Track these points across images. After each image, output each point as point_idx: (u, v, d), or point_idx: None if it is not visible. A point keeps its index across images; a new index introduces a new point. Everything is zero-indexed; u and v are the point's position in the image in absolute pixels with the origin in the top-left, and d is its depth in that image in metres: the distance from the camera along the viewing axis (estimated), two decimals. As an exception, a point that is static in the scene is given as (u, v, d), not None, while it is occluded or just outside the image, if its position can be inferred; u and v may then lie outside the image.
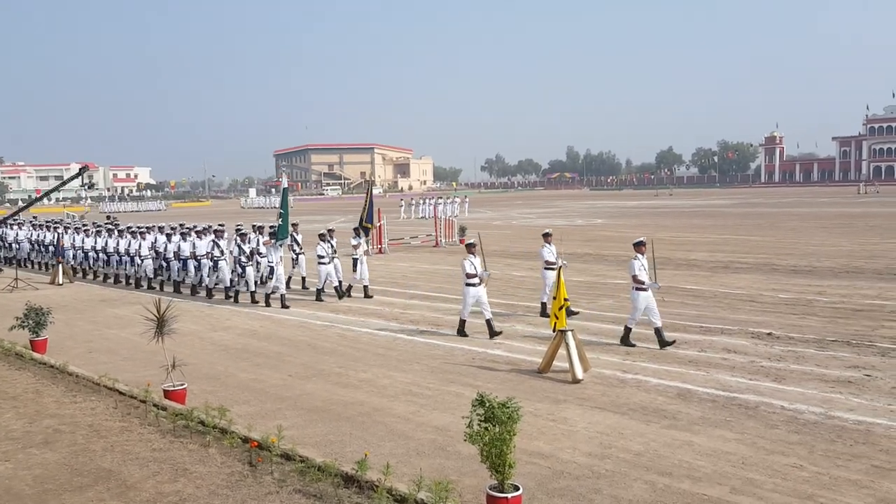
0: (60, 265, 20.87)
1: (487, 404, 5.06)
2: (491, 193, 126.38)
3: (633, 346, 10.47)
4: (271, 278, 15.25)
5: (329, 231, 16.45)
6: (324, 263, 15.84)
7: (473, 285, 11.11)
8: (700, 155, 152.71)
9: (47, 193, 16.55)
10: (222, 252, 17.07)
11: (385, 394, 8.60)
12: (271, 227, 17.09)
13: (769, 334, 11.10)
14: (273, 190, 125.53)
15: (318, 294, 15.92)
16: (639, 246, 10.76)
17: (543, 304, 12.89)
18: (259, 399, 8.63)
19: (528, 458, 6.50)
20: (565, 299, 9.50)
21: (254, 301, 15.90)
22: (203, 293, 17.17)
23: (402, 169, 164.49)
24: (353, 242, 16.49)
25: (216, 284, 17.15)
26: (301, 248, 17.50)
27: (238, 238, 16.24)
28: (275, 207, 78.15)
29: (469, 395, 7.90)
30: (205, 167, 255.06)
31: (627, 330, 10.65)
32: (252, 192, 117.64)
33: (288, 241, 15.62)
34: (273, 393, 8.88)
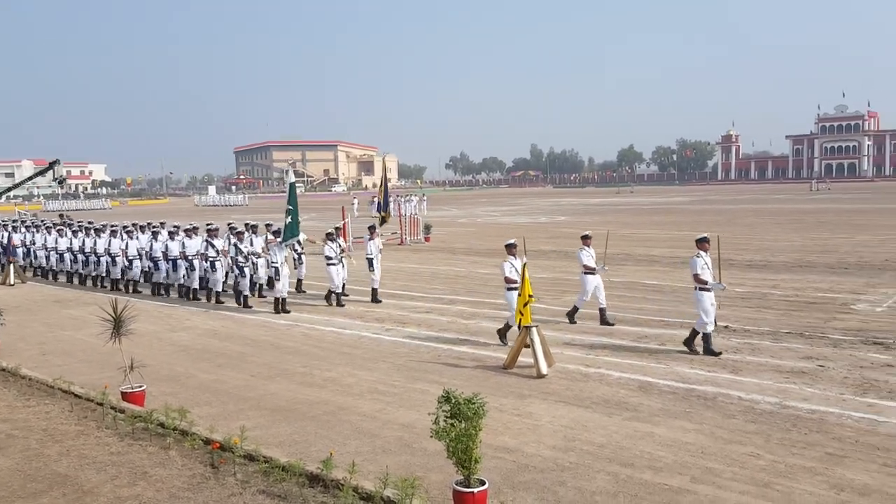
0: (12, 265, 20.21)
1: (453, 401, 5.05)
2: (456, 191, 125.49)
3: (719, 354, 9.52)
4: (278, 280, 13.93)
5: (336, 229, 15.06)
6: (332, 264, 14.43)
7: (514, 290, 10.17)
8: (660, 153, 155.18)
9: (15, 187, 15.86)
10: (217, 252, 15.59)
11: (350, 392, 8.50)
12: (267, 224, 16.22)
13: (726, 327, 11.28)
14: (233, 188, 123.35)
15: (337, 298, 14.52)
16: (702, 243, 9.60)
17: (575, 309, 11.92)
18: (221, 400, 8.46)
19: (494, 453, 6.49)
20: (530, 296, 9.51)
21: (218, 301, 15.43)
22: (204, 297, 15.65)
23: (366, 167, 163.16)
24: (372, 243, 15.28)
25: (223, 290, 15.72)
26: (303, 248, 16.04)
27: (234, 237, 14.97)
28: (230, 206, 76.62)
29: (435, 392, 7.85)
30: (162, 164, 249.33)
31: (697, 335, 9.63)
32: (212, 189, 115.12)
33: (301, 238, 14.16)
34: (235, 394, 8.72)
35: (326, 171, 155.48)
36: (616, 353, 10.00)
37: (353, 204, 50.53)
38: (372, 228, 15.71)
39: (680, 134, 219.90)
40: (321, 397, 8.39)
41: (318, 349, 10.88)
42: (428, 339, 11.39)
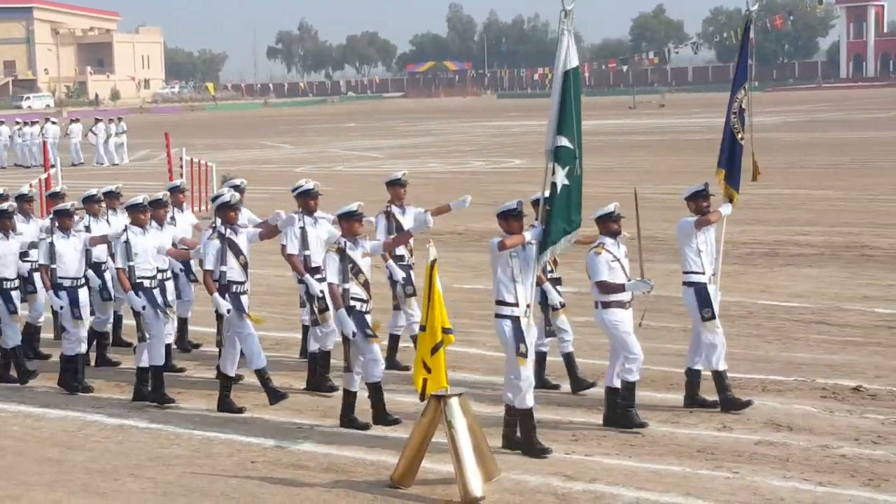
0: None
1: None
2: (291, 106, 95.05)
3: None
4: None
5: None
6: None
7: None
8: (718, 24, 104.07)
9: None
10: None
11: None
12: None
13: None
14: None
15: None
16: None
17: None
18: None
19: None
20: (444, 331, 6.66)
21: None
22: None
23: (98, 54, 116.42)
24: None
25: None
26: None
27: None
28: None
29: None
30: None
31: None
32: None
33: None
34: None
35: (11, 67, 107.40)
36: (634, 449, 7.38)
37: (68, 135, 35.28)
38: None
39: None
40: None
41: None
42: (229, 424, 7.99)
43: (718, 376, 7.74)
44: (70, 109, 71.62)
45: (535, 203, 7.87)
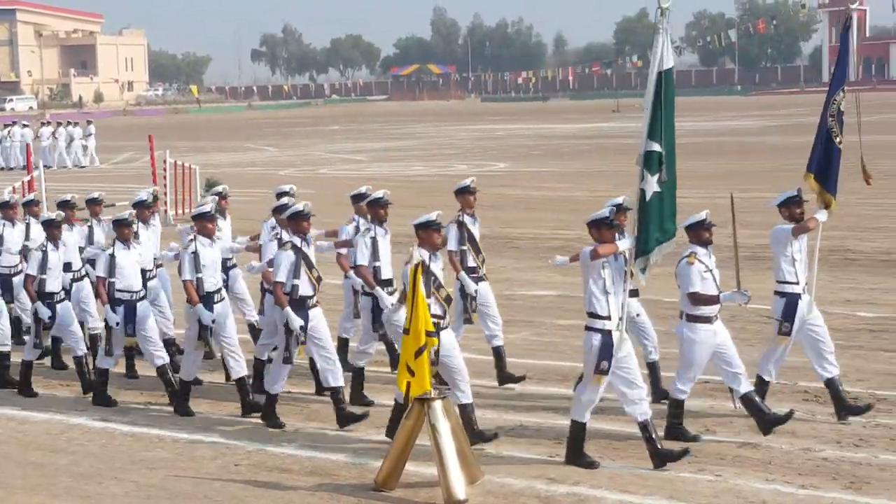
0: None
1: None
2: (275, 109, 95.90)
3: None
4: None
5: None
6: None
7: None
8: (702, 27, 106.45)
9: None
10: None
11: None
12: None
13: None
14: None
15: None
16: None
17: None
18: None
19: None
20: (428, 333, 6.61)
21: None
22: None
23: (81, 56, 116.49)
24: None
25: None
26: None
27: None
28: None
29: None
30: None
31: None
32: None
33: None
34: None
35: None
36: (617, 452, 7.34)
37: (55, 138, 34.32)
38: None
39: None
40: None
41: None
42: (213, 427, 8.05)
43: (759, 382, 7.56)
44: (53, 112, 71.07)
45: (616, 209, 7.68)
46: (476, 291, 8.20)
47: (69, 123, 35.49)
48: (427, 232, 7.14)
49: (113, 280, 8.13)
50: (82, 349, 8.99)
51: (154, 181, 19.70)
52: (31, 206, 10.03)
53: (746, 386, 7.13)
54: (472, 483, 6.49)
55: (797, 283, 7.54)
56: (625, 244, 6.68)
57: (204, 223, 8.04)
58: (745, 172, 26.08)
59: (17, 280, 9.55)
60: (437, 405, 6.46)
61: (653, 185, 6.64)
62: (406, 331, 6.51)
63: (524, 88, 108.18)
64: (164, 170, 20.65)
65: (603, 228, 6.72)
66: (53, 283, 8.67)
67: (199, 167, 22.37)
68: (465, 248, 8.18)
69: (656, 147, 6.68)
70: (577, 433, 6.70)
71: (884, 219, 17.94)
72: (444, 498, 6.26)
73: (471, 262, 8.24)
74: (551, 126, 54.26)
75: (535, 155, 35.47)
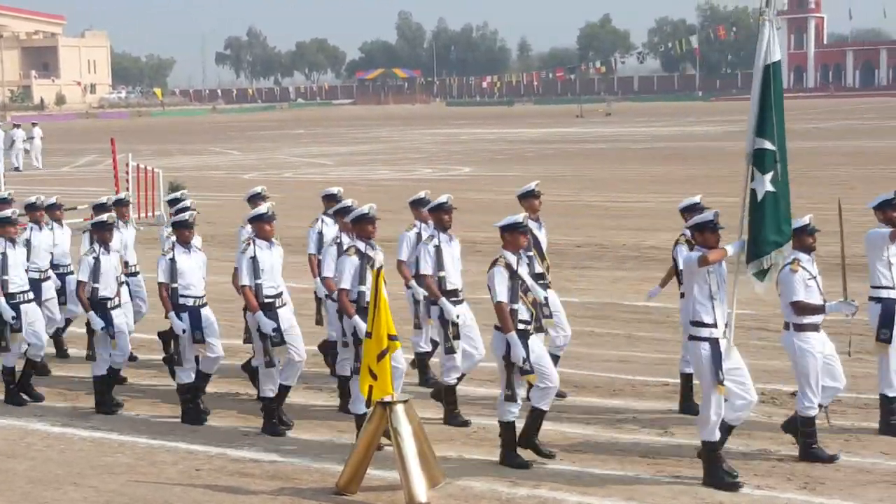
0: None
1: None
2: (239, 112, 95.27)
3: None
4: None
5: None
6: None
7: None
8: (664, 34, 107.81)
9: None
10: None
11: None
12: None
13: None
14: None
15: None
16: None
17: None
18: None
19: None
20: (391, 338, 6.52)
21: None
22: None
23: (43, 58, 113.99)
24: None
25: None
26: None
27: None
28: None
29: None
30: None
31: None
32: None
33: None
34: None
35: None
36: (577, 455, 7.29)
37: (23, 142, 34.56)
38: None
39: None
40: None
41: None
42: (173, 432, 7.85)
43: (887, 400, 7.24)
44: (14, 114, 69.86)
45: (683, 211, 7.39)
46: (458, 317, 7.65)
47: (18, 126, 35.18)
48: (513, 234, 6.84)
49: (175, 285, 7.76)
50: (41, 356, 8.84)
51: (116, 184, 19.38)
52: (53, 210, 9.86)
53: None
54: (433, 486, 6.43)
55: (893, 289, 7.22)
56: (733, 249, 6.39)
57: (102, 233, 8.15)
58: (706, 177, 26.34)
59: (46, 286, 9.30)
60: (399, 408, 6.42)
61: (766, 184, 6.28)
62: (368, 334, 6.42)
63: (489, 93, 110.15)
64: (127, 173, 20.39)
65: (707, 232, 6.36)
66: (105, 289, 8.33)
67: (163, 170, 22.05)
68: (442, 273, 7.61)
69: (767, 145, 6.27)
70: (712, 453, 6.33)
71: None
72: (406, 501, 6.21)
73: (537, 269, 7.73)
74: (516, 130, 54.53)
75: (500, 159, 35.41)
